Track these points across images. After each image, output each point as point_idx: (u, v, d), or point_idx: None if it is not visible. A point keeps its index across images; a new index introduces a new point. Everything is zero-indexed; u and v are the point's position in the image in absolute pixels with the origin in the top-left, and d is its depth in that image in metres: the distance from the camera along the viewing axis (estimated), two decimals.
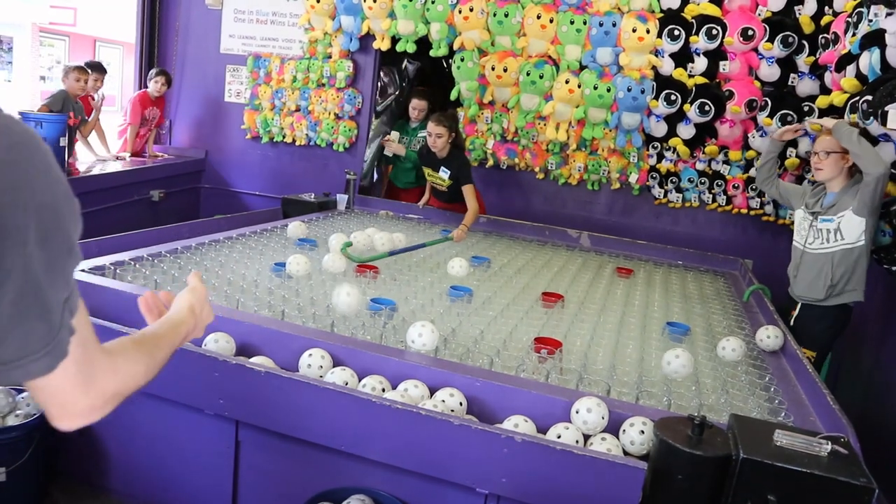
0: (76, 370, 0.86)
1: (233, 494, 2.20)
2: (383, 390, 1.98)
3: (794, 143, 4.85)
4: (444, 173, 4.74)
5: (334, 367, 2.09)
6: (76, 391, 0.87)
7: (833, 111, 4.13)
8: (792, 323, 3.34)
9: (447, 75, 6.19)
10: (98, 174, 5.11)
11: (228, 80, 6.40)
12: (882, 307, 3.75)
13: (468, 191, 4.58)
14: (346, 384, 1.99)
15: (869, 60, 3.34)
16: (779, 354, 2.71)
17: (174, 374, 2.02)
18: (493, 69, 5.29)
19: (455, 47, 5.46)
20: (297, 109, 6.10)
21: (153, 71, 6.10)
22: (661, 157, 5.30)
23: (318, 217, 4.36)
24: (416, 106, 5.93)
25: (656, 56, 4.98)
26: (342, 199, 4.65)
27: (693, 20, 4.85)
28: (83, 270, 2.56)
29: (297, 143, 6.20)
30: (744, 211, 5.21)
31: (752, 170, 5.07)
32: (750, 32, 4.69)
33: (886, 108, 2.97)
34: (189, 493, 2.24)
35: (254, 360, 2.09)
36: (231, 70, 6.36)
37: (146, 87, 6.17)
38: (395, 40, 5.65)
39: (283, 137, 6.21)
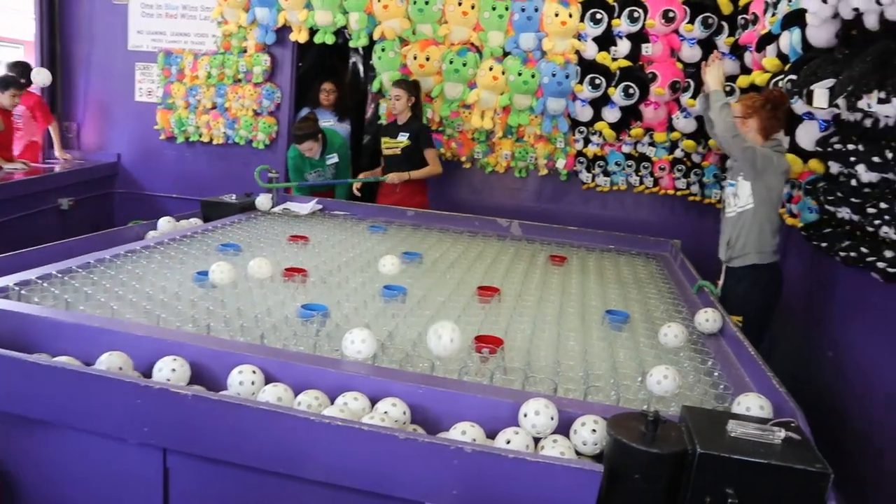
0: None
1: None
2: (320, 406, 1.86)
3: None
4: (403, 136, 4.87)
5: (267, 382, 1.95)
6: None
7: (754, 90, 4.19)
8: (719, 291, 3.42)
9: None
10: None
11: (138, 79, 6.11)
12: (811, 282, 3.83)
13: (431, 154, 4.96)
14: (280, 400, 1.86)
15: (790, 40, 3.38)
16: (718, 337, 2.71)
17: (92, 404, 1.86)
18: (415, 58, 5.19)
19: (375, 37, 5.33)
20: (214, 107, 5.87)
21: None
22: (587, 141, 5.31)
23: (241, 219, 4.17)
24: (327, 88, 5.81)
25: (579, 40, 4.97)
26: (265, 198, 4.46)
27: (615, 3, 4.88)
28: None
29: (215, 143, 5.97)
30: (671, 192, 5.27)
31: (677, 151, 5.13)
32: (671, 14, 4.73)
33: (812, 87, 2.99)
34: None
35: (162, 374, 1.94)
36: (141, 68, 6.07)
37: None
38: (312, 32, 5.47)
39: (200, 136, 5.97)
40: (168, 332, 2.16)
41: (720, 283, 3.61)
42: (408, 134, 4.91)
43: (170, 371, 1.95)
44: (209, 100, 5.83)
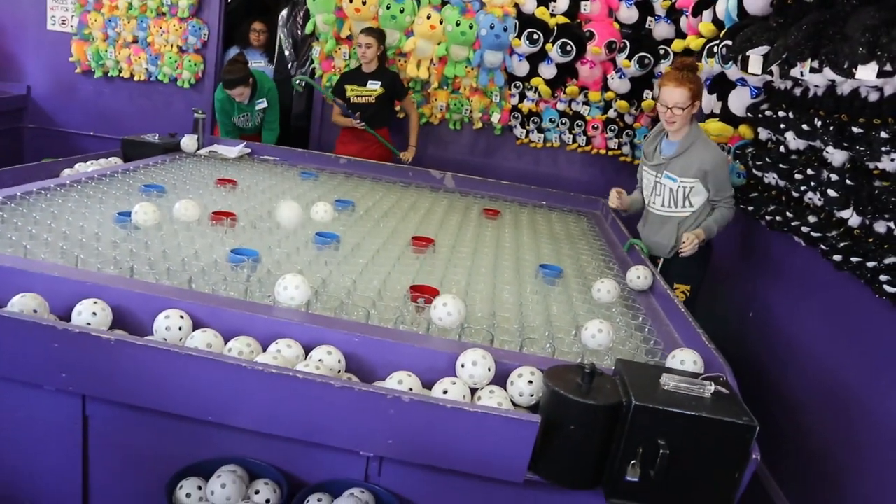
0: None
1: (83, 474, 1.96)
2: (252, 353, 1.80)
3: (650, 86, 4.97)
4: (374, 84, 4.85)
5: (195, 329, 1.87)
6: None
7: (688, 55, 4.23)
8: (648, 251, 3.39)
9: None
10: None
11: (50, 6, 5.70)
12: (736, 245, 3.95)
13: (409, 102, 5.17)
14: (210, 346, 1.80)
15: (726, 6, 3.42)
16: (648, 294, 2.77)
17: (5, 348, 1.74)
18: (350, 2, 5.02)
19: None
20: (135, 41, 5.56)
21: None
22: (523, 96, 5.29)
23: (165, 160, 3.98)
24: (257, 27, 5.62)
25: None
26: (190, 139, 4.27)
27: None
28: None
29: (137, 79, 5.67)
30: (602, 151, 5.32)
31: (610, 111, 5.17)
32: None
33: (748, 54, 3.03)
34: (35, 477, 1.97)
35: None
36: None
37: None
38: None
39: (120, 72, 5.66)
40: (88, 275, 2.04)
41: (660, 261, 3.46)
42: (380, 82, 4.88)
43: (90, 315, 1.85)
44: (130, 33, 5.50)
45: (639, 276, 2.76)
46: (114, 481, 1.96)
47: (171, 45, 5.48)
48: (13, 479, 1.98)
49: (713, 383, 1.68)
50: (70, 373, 1.74)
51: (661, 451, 1.56)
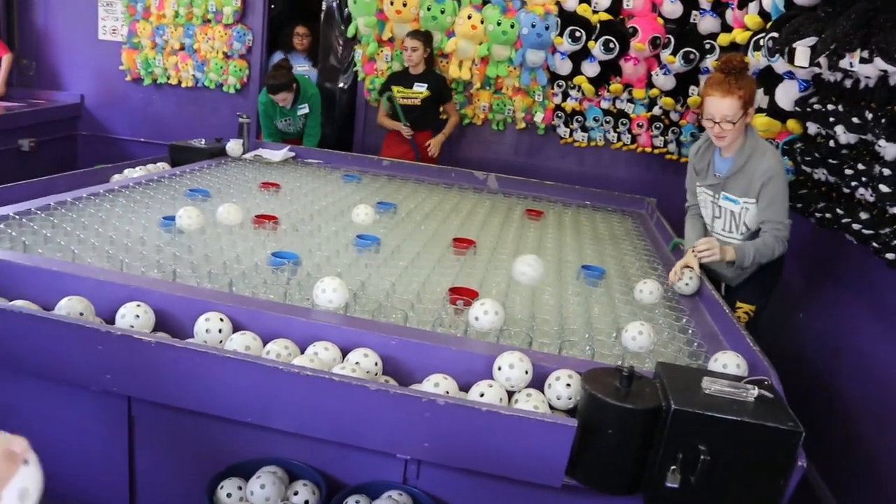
0: None
1: (129, 474, 2.00)
2: (290, 355, 1.82)
3: (695, 82, 4.88)
4: (420, 87, 4.87)
5: (235, 331, 1.90)
6: None
7: (735, 49, 4.14)
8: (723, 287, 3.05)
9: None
10: None
11: (102, 16, 5.86)
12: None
13: (453, 106, 5.15)
14: (248, 349, 1.82)
15: None
16: (694, 297, 2.70)
17: (51, 350, 1.79)
18: (391, 4, 5.04)
19: None
20: (182, 48, 5.67)
21: None
22: (566, 95, 5.23)
23: (211, 165, 4.06)
24: (301, 32, 5.68)
25: None
26: (236, 144, 4.34)
27: None
28: None
29: (184, 85, 5.78)
30: (648, 149, 5.23)
31: (655, 108, 5.09)
32: None
33: (794, 45, 2.95)
34: (82, 475, 2.02)
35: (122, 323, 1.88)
36: (104, 4, 5.81)
37: None
38: None
39: (168, 79, 5.78)
40: (132, 278, 2.09)
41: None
42: (426, 85, 4.89)
43: (133, 317, 1.89)
44: (177, 40, 5.62)
45: (686, 283, 2.67)
46: (159, 480, 2.00)
47: (217, 52, 5.58)
48: (63, 478, 2.03)
49: (757, 387, 1.64)
50: (114, 374, 1.78)
51: (702, 457, 1.52)
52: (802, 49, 2.96)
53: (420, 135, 4.98)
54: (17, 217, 2.54)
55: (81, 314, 1.90)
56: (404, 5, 5.00)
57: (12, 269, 2.06)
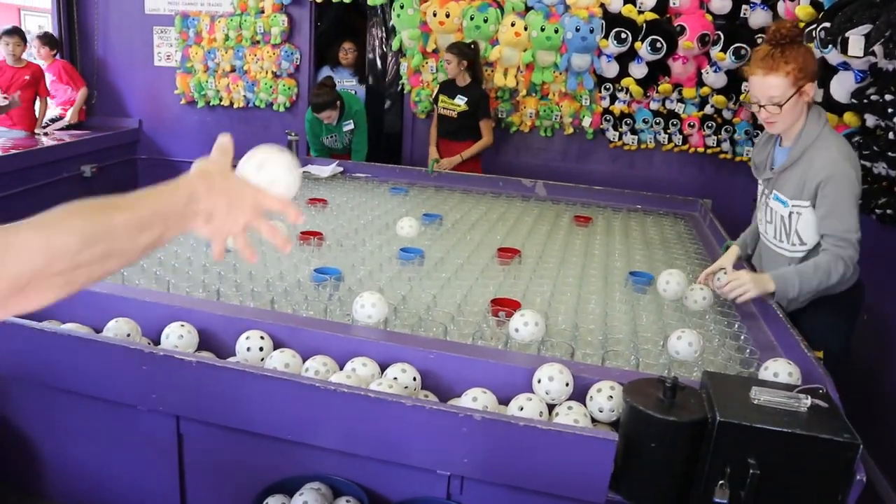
0: None
1: (180, 490, 2.03)
2: (328, 372, 1.82)
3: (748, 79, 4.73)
4: (461, 100, 4.80)
5: (276, 348, 1.91)
6: None
7: None
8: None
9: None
10: (19, 152, 4.77)
11: (157, 43, 6.05)
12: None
13: (487, 125, 4.87)
14: (287, 366, 1.82)
15: None
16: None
17: (100, 371, 1.83)
18: (434, 15, 5.04)
19: None
20: (233, 70, 5.80)
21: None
22: (613, 98, 5.15)
23: None
24: (346, 46, 5.74)
25: None
26: None
27: None
28: None
29: (236, 106, 5.91)
30: (700, 150, 5.10)
31: (707, 107, 4.96)
32: None
33: (847, 35, 2.83)
34: (134, 492, 2.07)
35: (168, 344, 1.91)
36: (158, 32, 6.01)
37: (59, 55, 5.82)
38: None
39: (220, 100, 5.92)
40: (176, 298, 2.13)
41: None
42: (466, 99, 4.81)
43: (177, 337, 1.92)
44: (228, 62, 5.76)
45: (704, 297, 2.42)
46: (208, 497, 2.03)
47: (266, 72, 5.69)
48: (116, 497, 2.08)
49: (810, 396, 1.56)
50: (159, 393, 1.81)
51: (752, 471, 1.45)
52: (856, 38, 2.83)
53: (455, 146, 4.92)
54: None
55: (128, 335, 1.94)
56: (447, 16, 5.01)
57: None
